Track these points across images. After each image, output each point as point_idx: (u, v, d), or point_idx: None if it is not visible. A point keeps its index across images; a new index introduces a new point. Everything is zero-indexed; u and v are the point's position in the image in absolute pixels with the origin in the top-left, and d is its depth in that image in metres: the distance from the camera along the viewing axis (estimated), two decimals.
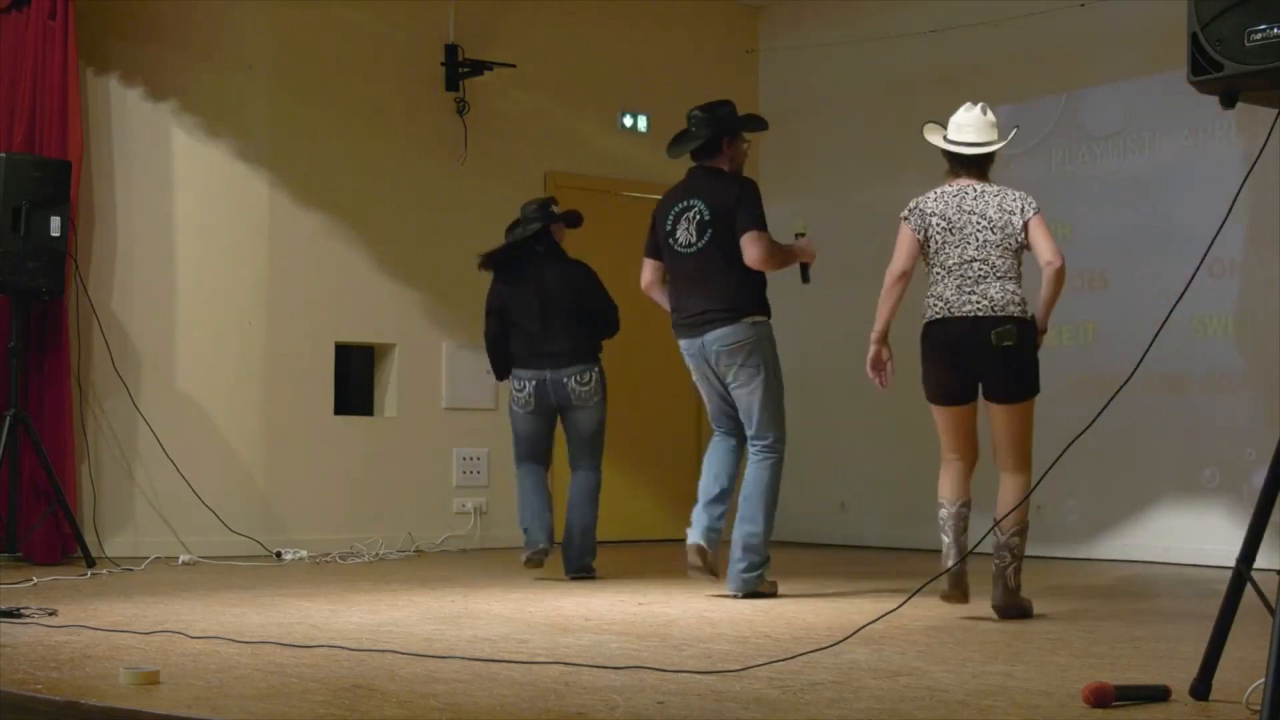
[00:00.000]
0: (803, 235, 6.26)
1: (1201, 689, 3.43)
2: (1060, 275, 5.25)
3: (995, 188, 5.35)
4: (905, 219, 5.47)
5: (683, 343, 6.18)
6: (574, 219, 7.30)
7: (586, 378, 6.98)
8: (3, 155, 7.49)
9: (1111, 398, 3.89)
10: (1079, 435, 4.59)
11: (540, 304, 7.05)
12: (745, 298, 6.02)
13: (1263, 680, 3.02)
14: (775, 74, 10.44)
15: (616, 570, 7.25)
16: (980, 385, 5.34)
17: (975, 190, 5.34)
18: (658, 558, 8.25)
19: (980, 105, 5.45)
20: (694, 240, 6.08)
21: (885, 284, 5.54)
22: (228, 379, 8.46)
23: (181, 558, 7.83)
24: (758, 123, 6.41)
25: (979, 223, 5.28)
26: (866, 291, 9.67)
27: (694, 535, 6.11)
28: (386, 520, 8.70)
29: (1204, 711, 3.37)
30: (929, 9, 9.37)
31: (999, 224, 5.26)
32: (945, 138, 5.43)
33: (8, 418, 7.36)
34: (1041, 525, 8.46)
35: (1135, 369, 3.93)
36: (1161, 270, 8.01)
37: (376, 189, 8.93)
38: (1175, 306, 3.76)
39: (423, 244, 9.07)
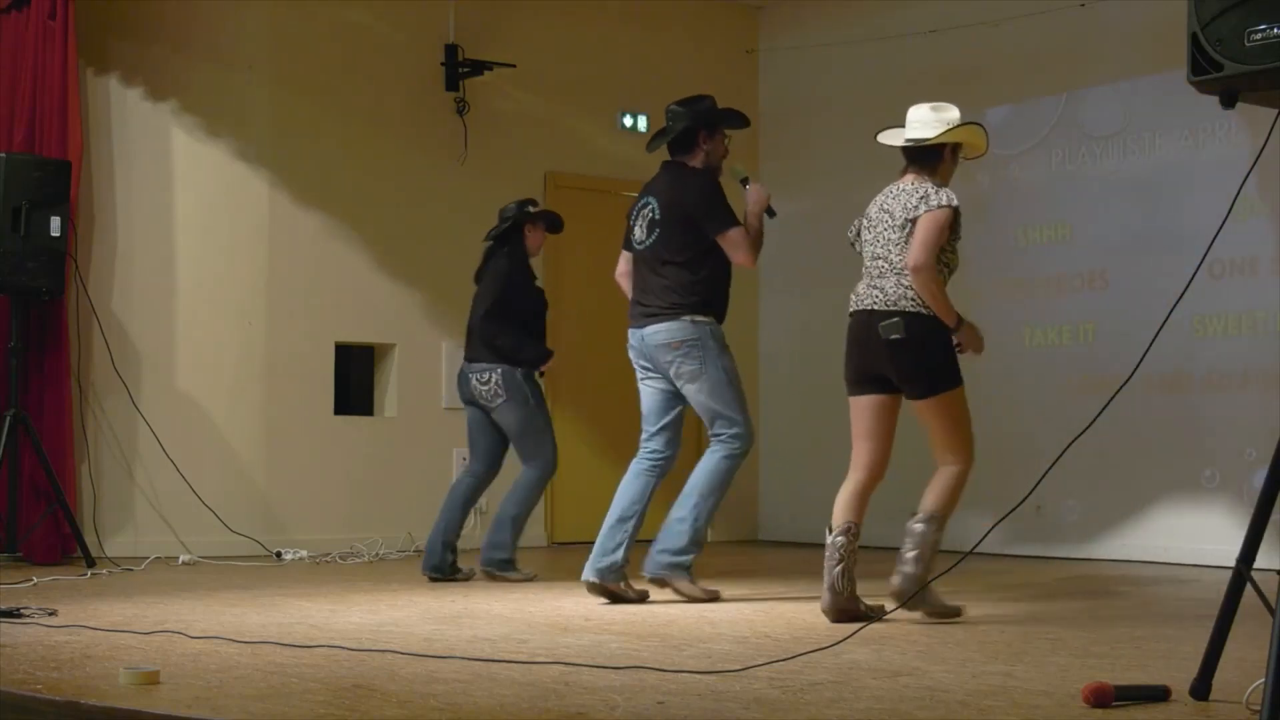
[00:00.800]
0: (746, 180, 6.12)
1: (1201, 689, 3.43)
2: (916, 279, 5.10)
3: (915, 185, 5.26)
4: (849, 230, 5.53)
5: (629, 332, 6.07)
6: (552, 220, 7.25)
7: (486, 377, 6.92)
8: (3, 155, 7.49)
9: (1111, 398, 3.89)
10: (1079, 435, 4.59)
11: (474, 300, 7.14)
12: (688, 296, 5.91)
13: (1263, 680, 3.02)
14: (775, 74, 10.44)
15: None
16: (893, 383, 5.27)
17: (899, 189, 5.30)
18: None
19: (934, 104, 5.41)
20: (644, 237, 6.05)
21: None
22: (228, 379, 8.46)
23: (181, 558, 7.83)
24: (737, 119, 6.25)
25: (886, 220, 5.26)
26: None
27: (586, 571, 5.87)
28: (386, 520, 8.70)
29: (1204, 711, 3.37)
30: (929, 9, 9.36)
31: (899, 221, 5.21)
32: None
33: (8, 418, 7.36)
34: (1041, 525, 8.50)
35: (1135, 369, 3.93)
36: (1162, 270, 8.01)
37: (376, 189, 8.93)
38: (1175, 306, 3.76)
39: (423, 244, 9.06)
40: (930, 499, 5.25)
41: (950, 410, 5.22)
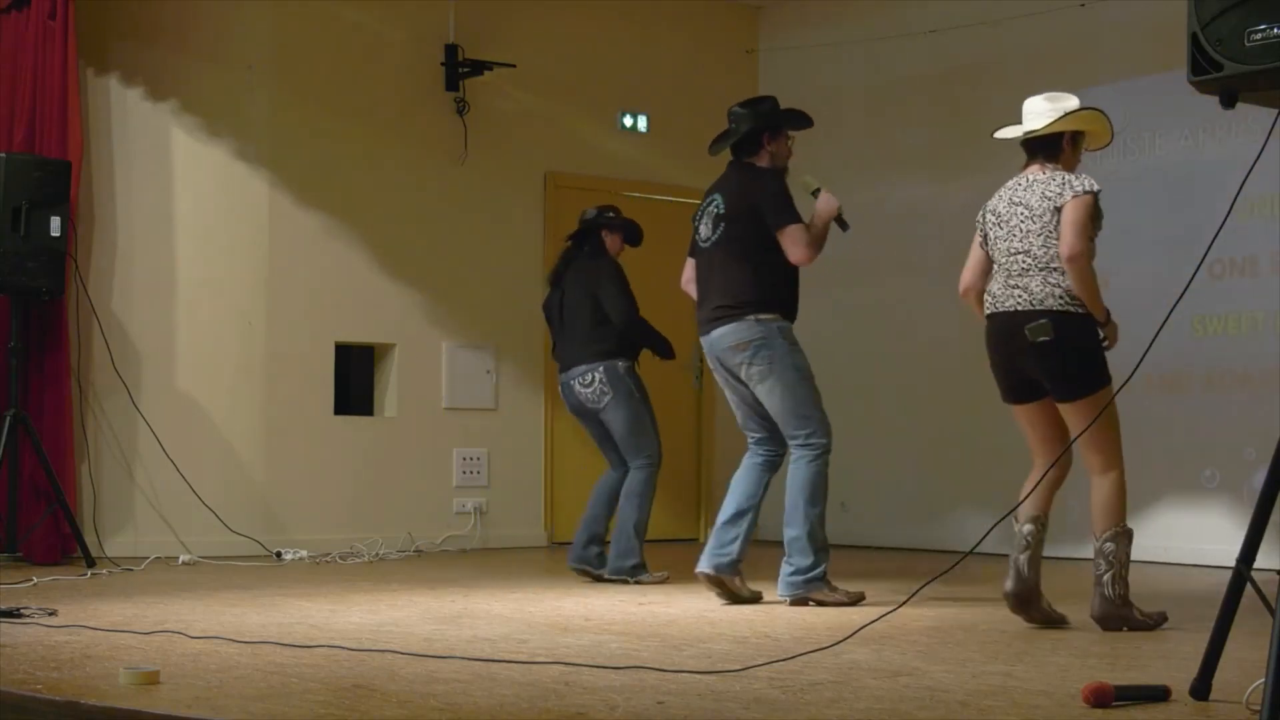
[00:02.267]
0: (818, 191, 6.01)
1: (1201, 689, 3.43)
2: (1072, 267, 4.92)
3: (1050, 174, 5.05)
4: (976, 224, 5.27)
5: (701, 340, 6.03)
6: (631, 231, 7.19)
7: (589, 379, 6.93)
8: (3, 155, 7.49)
9: (1111, 397, 3.89)
10: (1079, 435, 4.60)
11: (560, 306, 7.11)
12: (754, 294, 5.80)
13: (1263, 680, 3.02)
14: (775, 74, 10.43)
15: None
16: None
17: (1029, 180, 5.09)
18: (657, 558, 8.24)
19: (1047, 94, 5.25)
20: (710, 234, 5.96)
21: None
22: (228, 379, 8.46)
23: (181, 558, 7.83)
24: (801, 119, 6.13)
25: (1023, 213, 5.04)
26: (867, 292, 9.77)
27: (701, 563, 5.92)
28: (386, 520, 8.70)
29: (1204, 711, 3.36)
30: (929, 9, 9.36)
31: (1039, 211, 4.99)
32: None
33: (8, 418, 7.35)
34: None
35: (1135, 369, 3.93)
36: (1162, 270, 8.01)
37: (376, 189, 8.93)
38: (1175, 306, 3.76)
39: (423, 244, 9.06)
40: (1105, 516, 5.11)
41: (1099, 412, 4.95)
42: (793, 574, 5.82)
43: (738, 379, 5.90)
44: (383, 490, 8.81)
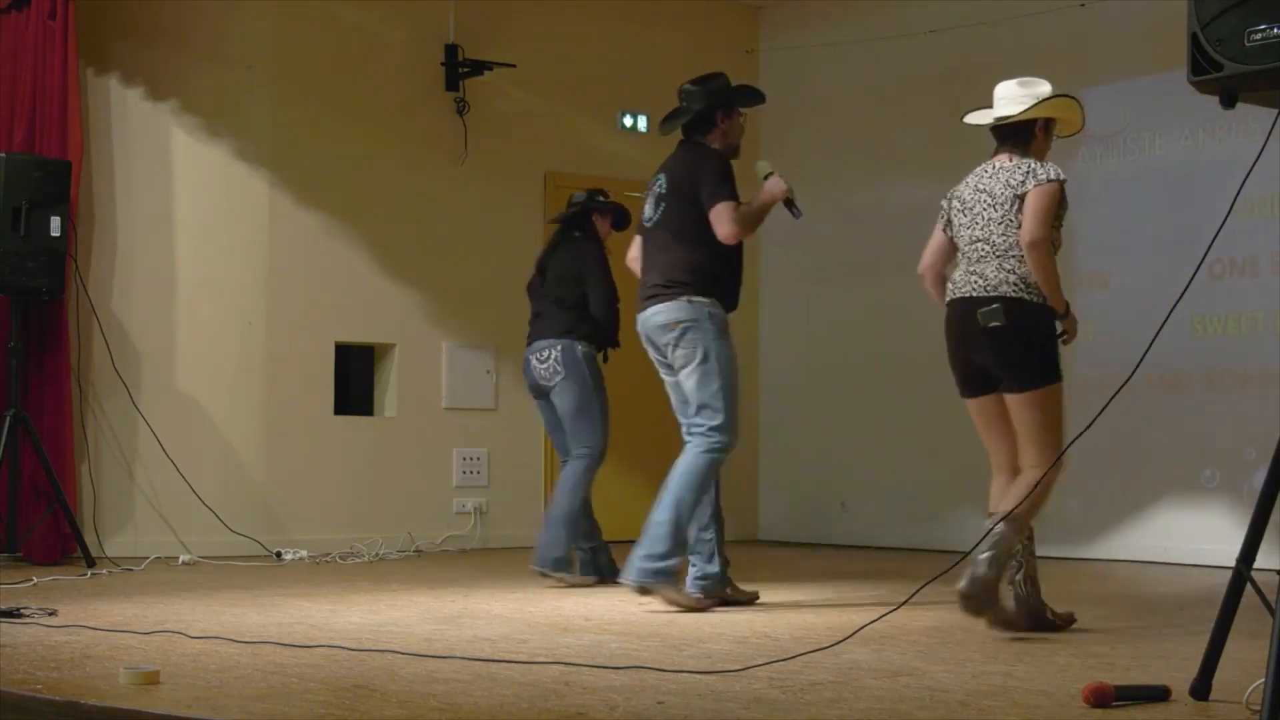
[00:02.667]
0: (770, 175, 5.83)
1: (1201, 689, 3.43)
2: (1033, 253, 4.81)
3: (1017, 162, 4.98)
4: (940, 209, 5.20)
5: (637, 319, 5.81)
6: (620, 214, 7.06)
7: (545, 355, 6.74)
8: (3, 155, 7.48)
9: (1111, 398, 3.89)
10: (1079, 435, 4.60)
11: (542, 285, 6.97)
12: (691, 275, 5.61)
13: (1263, 680, 3.02)
14: (775, 74, 10.43)
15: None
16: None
17: (996, 167, 5.02)
18: None
19: (1020, 80, 5.16)
20: (652, 213, 5.83)
21: None
22: (228, 379, 8.46)
23: (181, 558, 7.83)
24: (753, 95, 6.01)
25: (986, 200, 4.97)
26: (865, 291, 9.77)
27: (626, 573, 5.64)
28: (386, 520, 8.70)
29: (1204, 711, 3.37)
30: (929, 9, 9.36)
31: (1001, 200, 4.92)
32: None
33: (8, 418, 7.35)
34: (1041, 526, 8.46)
35: (1135, 369, 3.93)
36: (1162, 270, 8.01)
37: (376, 189, 8.93)
38: (1175, 306, 3.76)
39: (423, 244, 9.06)
40: (1010, 499, 4.85)
41: (1045, 407, 4.89)
42: (645, 559, 5.51)
43: (667, 361, 5.73)
44: (383, 490, 8.81)
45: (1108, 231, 8.55)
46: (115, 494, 8.12)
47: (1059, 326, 4.96)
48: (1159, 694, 3.47)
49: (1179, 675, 3.56)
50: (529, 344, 6.93)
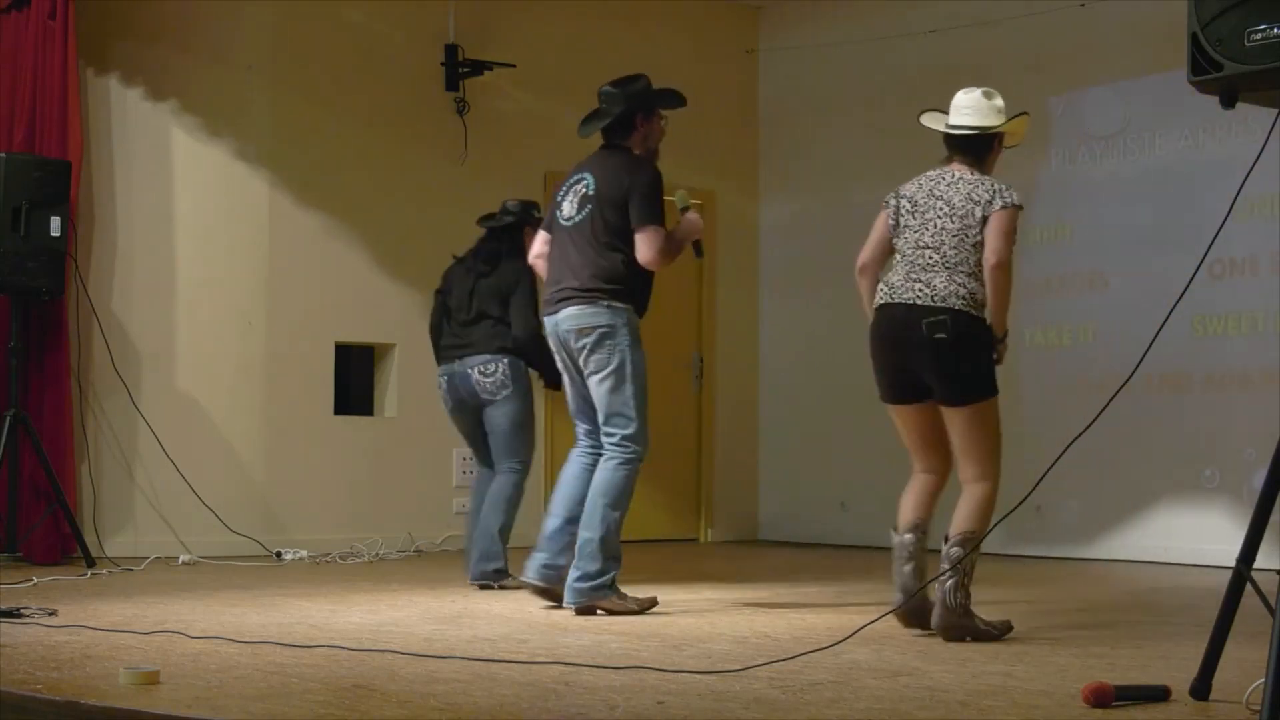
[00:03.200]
0: (688, 208, 5.79)
1: (1201, 689, 3.43)
2: (998, 275, 4.77)
3: (979, 178, 4.93)
4: (885, 204, 5.11)
5: (544, 320, 5.73)
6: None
7: (491, 369, 6.59)
8: (3, 155, 7.48)
9: (1111, 398, 3.89)
10: (1079, 435, 4.60)
11: (471, 294, 6.76)
12: (612, 281, 5.53)
13: (1263, 680, 3.02)
14: (775, 74, 10.44)
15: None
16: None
17: (954, 176, 4.95)
18: (657, 558, 8.25)
19: (984, 90, 5.16)
20: (574, 214, 5.68)
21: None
22: (228, 379, 8.46)
23: (181, 558, 7.83)
24: (674, 98, 5.84)
25: (942, 208, 4.88)
26: None
27: (530, 573, 5.65)
28: (386, 520, 8.70)
29: (1204, 711, 3.37)
30: (929, 9, 9.36)
31: (961, 212, 4.84)
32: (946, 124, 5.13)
33: (8, 418, 7.35)
34: (1042, 525, 8.49)
35: (1135, 369, 3.93)
36: (1161, 270, 8.01)
37: (376, 189, 8.93)
38: (1175, 306, 3.76)
39: (423, 244, 9.03)
40: (963, 518, 4.87)
41: (985, 420, 4.87)
42: (579, 579, 5.46)
43: (576, 364, 5.63)
44: (383, 490, 8.81)
45: (1108, 231, 8.55)
46: (115, 494, 8.12)
47: (996, 346, 4.90)
48: (1159, 694, 3.47)
49: (1179, 675, 3.56)
50: (462, 356, 6.68)
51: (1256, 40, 3.18)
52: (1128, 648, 4.56)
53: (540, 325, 6.04)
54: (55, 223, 7.51)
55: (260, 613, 5.39)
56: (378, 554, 8.29)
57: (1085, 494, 8.41)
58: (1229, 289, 7.96)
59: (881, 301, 4.95)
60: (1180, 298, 3.75)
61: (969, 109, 5.07)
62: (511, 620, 5.24)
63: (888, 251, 5.08)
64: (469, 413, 6.71)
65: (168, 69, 8.42)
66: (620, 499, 5.51)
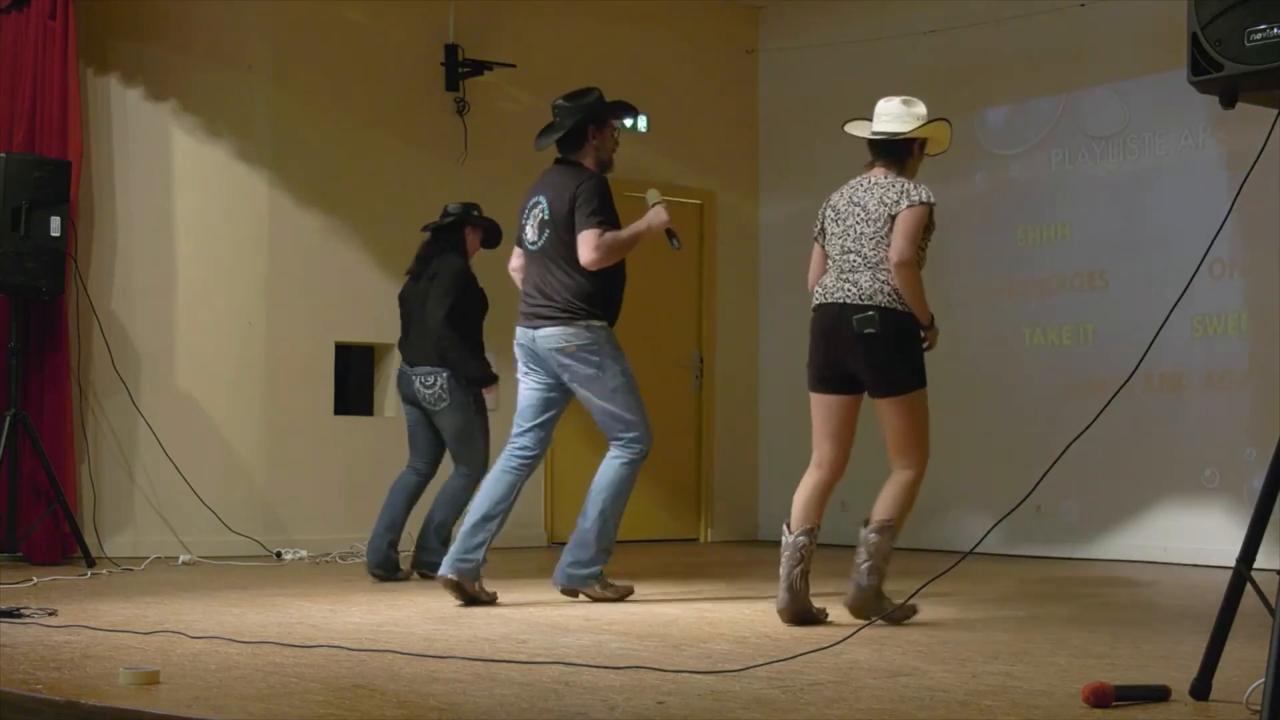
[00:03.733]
0: (658, 202, 5.95)
1: (1201, 689, 3.43)
2: (902, 272, 5.05)
3: (891, 180, 5.21)
4: (816, 218, 5.40)
5: (517, 330, 5.96)
6: (492, 232, 7.19)
7: (431, 381, 6.92)
8: (3, 155, 7.48)
9: (1111, 398, 3.89)
10: (1079, 435, 4.60)
11: (414, 297, 7.09)
12: (581, 301, 5.79)
13: (1263, 680, 3.02)
14: (775, 74, 10.44)
15: (616, 571, 7.24)
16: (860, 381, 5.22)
17: (870, 182, 5.25)
18: (657, 558, 8.25)
19: (904, 98, 5.42)
20: (536, 238, 5.94)
21: None
22: (228, 379, 8.46)
23: (181, 558, 7.83)
24: (625, 109, 6.12)
25: (859, 214, 5.19)
26: None
27: (444, 567, 5.82)
28: None
29: (1204, 711, 3.37)
30: (929, 9, 9.36)
31: (874, 216, 5.15)
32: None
33: (8, 418, 7.35)
34: (1041, 525, 8.50)
35: (1135, 369, 3.93)
36: (1161, 270, 8.02)
37: (376, 189, 8.93)
38: (1175, 306, 3.76)
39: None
40: (884, 506, 5.19)
41: (914, 411, 5.18)
42: (572, 564, 5.88)
43: (542, 374, 5.89)
44: (383, 490, 8.76)
45: (1108, 231, 8.55)
46: (115, 494, 8.12)
47: (923, 335, 5.19)
48: (1159, 694, 3.47)
49: (1179, 675, 3.56)
50: (412, 364, 7.03)
51: (1256, 40, 3.18)
52: (1128, 648, 4.57)
53: (451, 311, 6.65)
54: (55, 223, 7.51)
55: (260, 613, 5.39)
56: None
57: (1085, 494, 8.41)
58: (1229, 289, 7.95)
59: (816, 301, 5.27)
60: (1180, 298, 3.75)
61: (888, 116, 5.39)
62: (511, 620, 5.24)
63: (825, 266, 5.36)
64: (415, 411, 7.10)
65: (168, 69, 8.42)
66: (620, 495, 5.84)
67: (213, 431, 8.38)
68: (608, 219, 5.81)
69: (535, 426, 5.92)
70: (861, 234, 5.16)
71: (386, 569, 6.91)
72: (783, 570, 5.15)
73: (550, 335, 5.80)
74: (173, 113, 8.41)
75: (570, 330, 5.78)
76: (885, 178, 5.24)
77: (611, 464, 5.86)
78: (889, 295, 5.08)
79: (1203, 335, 8.06)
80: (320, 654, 4.22)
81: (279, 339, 8.56)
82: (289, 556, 8.09)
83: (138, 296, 8.27)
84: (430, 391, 6.91)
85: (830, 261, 5.27)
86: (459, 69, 9.14)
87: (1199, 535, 7.90)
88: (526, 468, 5.94)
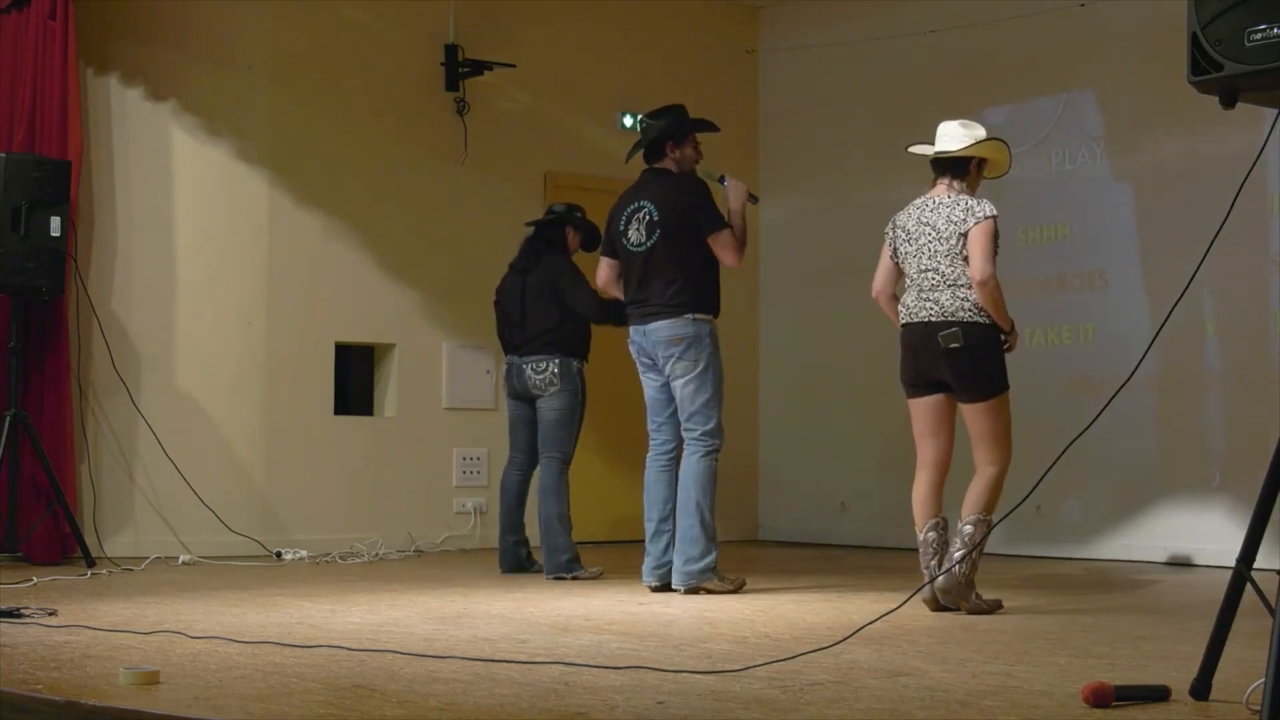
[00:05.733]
0: (723, 178, 6.48)
1: (1201, 689, 3.43)
2: (983, 290, 5.43)
3: (955, 198, 5.56)
4: (885, 235, 5.78)
5: (631, 330, 6.42)
6: (591, 236, 7.35)
7: (543, 366, 7.10)
8: (3, 155, 7.48)
9: (1111, 398, 3.89)
10: (1079, 435, 4.60)
11: (522, 291, 7.27)
12: (689, 295, 6.26)
13: (1263, 680, 3.02)
14: (775, 74, 10.44)
15: (616, 570, 7.25)
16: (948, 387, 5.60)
17: (935, 202, 5.60)
18: None
19: (962, 121, 5.69)
20: (644, 240, 6.34)
21: None
22: (228, 379, 8.46)
23: (181, 558, 7.83)
24: (704, 125, 6.55)
25: (930, 234, 5.55)
26: (865, 291, 9.70)
27: (646, 576, 6.35)
28: (386, 520, 8.70)
29: (1204, 711, 3.37)
30: (929, 9, 9.36)
31: (945, 235, 5.51)
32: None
33: (8, 418, 7.35)
34: (1041, 525, 8.49)
35: (1135, 369, 3.93)
36: (1162, 270, 8.01)
37: (376, 189, 8.93)
38: (1175, 306, 3.76)
39: (423, 244, 9.06)
40: (974, 502, 5.50)
41: (1000, 412, 5.53)
42: (686, 563, 6.18)
43: (656, 369, 6.35)
44: (383, 490, 8.81)
45: (1108, 231, 8.55)
46: (115, 494, 8.12)
47: (1004, 339, 5.58)
48: (1159, 694, 3.47)
49: (1179, 675, 3.56)
50: (521, 354, 7.21)
51: (1256, 40, 3.18)
52: (1128, 648, 4.57)
53: (596, 296, 7.01)
54: (55, 223, 7.51)
55: (260, 613, 5.39)
56: (378, 554, 8.29)
57: (1085, 494, 8.41)
58: (1229, 289, 7.95)
59: (904, 321, 5.68)
60: (1180, 297, 3.75)
61: (946, 136, 5.68)
62: (511, 620, 5.24)
63: (895, 276, 5.79)
64: (521, 403, 7.30)
65: (168, 69, 8.42)
66: (708, 486, 6.23)
67: (213, 431, 8.38)
68: (723, 217, 6.32)
69: (667, 420, 6.40)
70: (936, 252, 5.53)
71: (520, 567, 7.32)
72: (922, 564, 5.58)
73: (660, 328, 6.27)
74: (173, 113, 8.41)
75: (677, 322, 6.25)
76: (949, 196, 5.59)
77: (691, 460, 6.26)
78: (969, 310, 5.47)
79: (1203, 335, 8.06)
80: (320, 654, 4.22)
81: (279, 339, 8.56)
82: (289, 556, 8.09)
83: (138, 296, 8.27)
84: (541, 377, 7.11)
85: (909, 280, 5.64)
86: (459, 69, 9.14)
87: (1199, 535, 7.90)
88: (673, 461, 6.39)
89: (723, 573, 6.27)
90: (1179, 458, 8.17)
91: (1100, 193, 8.64)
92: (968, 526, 5.46)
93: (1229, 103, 3.31)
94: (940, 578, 5.40)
